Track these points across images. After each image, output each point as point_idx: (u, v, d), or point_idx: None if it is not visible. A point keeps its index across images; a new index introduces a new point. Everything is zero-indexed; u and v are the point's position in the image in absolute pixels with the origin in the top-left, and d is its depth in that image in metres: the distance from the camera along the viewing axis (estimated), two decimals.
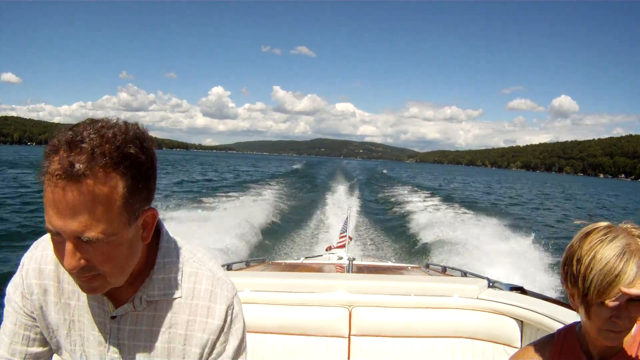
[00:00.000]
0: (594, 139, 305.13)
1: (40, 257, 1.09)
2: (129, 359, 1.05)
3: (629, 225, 1.10)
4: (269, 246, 9.57)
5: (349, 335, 2.27)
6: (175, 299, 1.04)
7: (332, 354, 2.24)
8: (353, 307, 2.30)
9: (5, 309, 1.11)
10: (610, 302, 1.03)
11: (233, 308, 1.08)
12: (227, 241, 8.35)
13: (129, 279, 1.00)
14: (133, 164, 0.86)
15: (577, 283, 1.08)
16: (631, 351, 1.15)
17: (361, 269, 3.55)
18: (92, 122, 0.87)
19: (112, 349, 1.05)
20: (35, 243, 1.12)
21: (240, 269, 3.34)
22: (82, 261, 0.88)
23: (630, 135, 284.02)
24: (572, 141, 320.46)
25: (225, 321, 1.06)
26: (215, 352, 1.06)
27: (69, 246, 0.86)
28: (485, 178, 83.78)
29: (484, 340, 2.25)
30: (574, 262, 1.09)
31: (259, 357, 2.25)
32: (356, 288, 2.37)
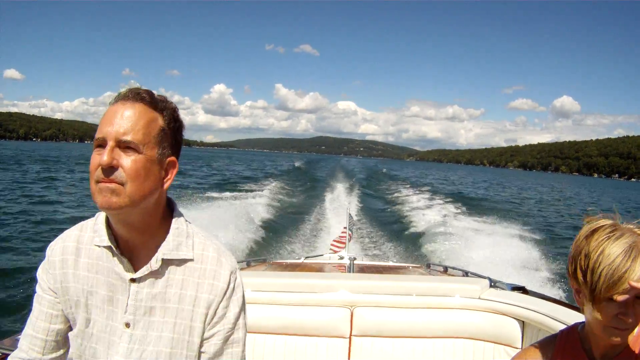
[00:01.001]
0: (591, 140, 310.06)
1: (65, 237, 1.24)
2: (145, 320, 1.15)
3: (632, 225, 1.13)
4: (270, 245, 9.60)
5: (350, 335, 2.26)
6: (188, 261, 1.17)
7: (333, 355, 2.23)
8: (354, 307, 2.29)
9: (35, 293, 1.24)
10: (619, 297, 1.06)
11: (236, 277, 1.20)
12: (227, 241, 8.28)
13: (145, 240, 1.15)
14: (172, 116, 1.15)
15: (586, 277, 1.10)
16: (634, 350, 1.16)
17: (362, 269, 3.58)
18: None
19: (130, 310, 1.14)
20: (63, 233, 1.26)
21: (241, 268, 3.26)
22: (115, 161, 1.05)
23: (627, 136, 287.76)
24: (569, 141, 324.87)
25: (228, 285, 1.17)
26: (217, 316, 1.16)
27: (110, 145, 1.05)
28: (459, 173, 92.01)
29: (485, 341, 2.24)
30: (582, 257, 1.12)
31: (259, 357, 2.24)
32: (357, 288, 2.36)
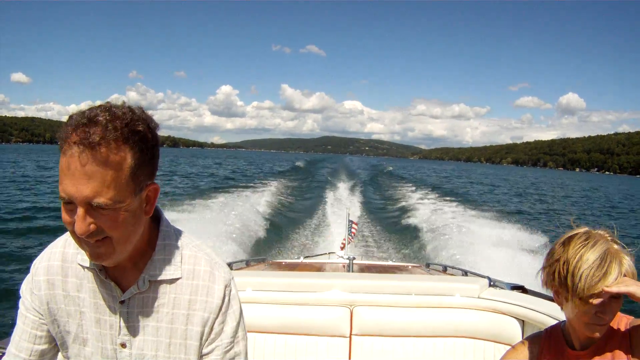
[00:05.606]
0: (582, 137, 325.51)
1: (49, 254, 1.17)
2: (138, 341, 1.11)
3: (602, 232, 1.27)
4: (269, 245, 9.53)
5: (350, 334, 2.26)
6: (177, 279, 1.10)
7: (333, 354, 2.22)
8: (354, 306, 2.29)
9: (19, 310, 1.20)
10: (596, 300, 1.20)
11: (230, 289, 1.14)
12: (225, 240, 8.33)
13: (132, 259, 1.08)
14: (142, 139, 0.96)
15: (566, 281, 1.23)
16: (605, 340, 1.29)
17: (361, 269, 3.60)
18: (101, 104, 0.97)
19: (123, 332, 1.11)
20: (46, 248, 1.21)
21: (240, 268, 3.38)
22: (92, 226, 0.94)
23: (616, 133, 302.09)
24: (559, 139, 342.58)
25: (223, 300, 1.11)
26: (214, 332, 1.12)
27: (80, 211, 0.93)
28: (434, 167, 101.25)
29: (486, 340, 2.24)
30: (561, 264, 1.25)
31: (260, 357, 2.22)
32: (357, 287, 2.36)
